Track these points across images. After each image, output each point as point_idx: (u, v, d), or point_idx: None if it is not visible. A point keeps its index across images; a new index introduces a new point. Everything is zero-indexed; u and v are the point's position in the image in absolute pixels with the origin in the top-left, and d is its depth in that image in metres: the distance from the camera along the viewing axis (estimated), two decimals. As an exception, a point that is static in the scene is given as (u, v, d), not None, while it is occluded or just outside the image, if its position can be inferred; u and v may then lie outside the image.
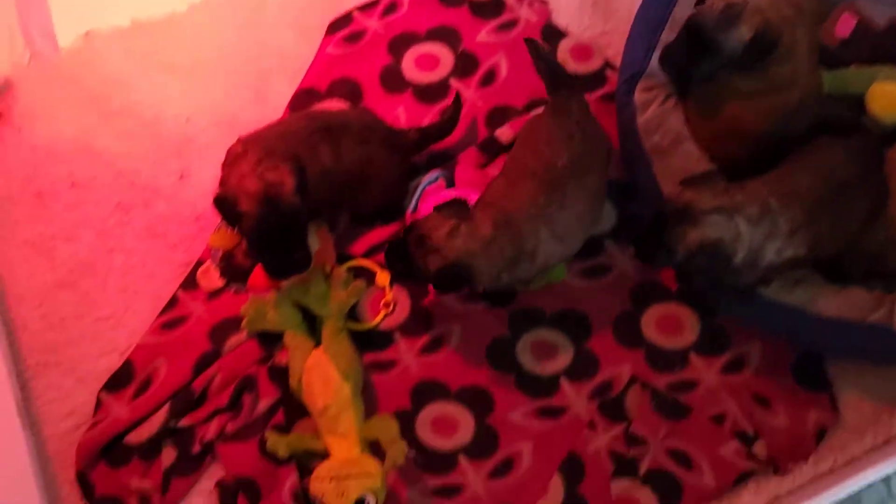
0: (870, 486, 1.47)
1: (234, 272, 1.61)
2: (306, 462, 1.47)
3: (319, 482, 1.39)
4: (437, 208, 1.44)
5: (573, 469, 1.48)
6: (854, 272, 1.48)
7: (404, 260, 1.43)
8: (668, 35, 1.60)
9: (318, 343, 1.53)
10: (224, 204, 1.41)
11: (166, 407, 1.52)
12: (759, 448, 1.48)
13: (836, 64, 1.58)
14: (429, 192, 1.61)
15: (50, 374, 1.57)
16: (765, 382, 1.52)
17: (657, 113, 1.59)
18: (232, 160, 1.46)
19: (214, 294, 1.62)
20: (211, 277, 1.63)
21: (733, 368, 1.54)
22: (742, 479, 1.46)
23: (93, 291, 1.63)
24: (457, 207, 1.44)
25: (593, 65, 1.79)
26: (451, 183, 1.64)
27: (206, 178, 1.71)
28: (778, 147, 1.51)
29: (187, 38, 1.84)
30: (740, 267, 1.34)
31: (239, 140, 1.49)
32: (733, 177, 1.50)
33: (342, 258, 1.63)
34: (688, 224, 1.30)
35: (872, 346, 1.46)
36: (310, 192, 1.43)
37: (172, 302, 1.62)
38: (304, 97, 1.78)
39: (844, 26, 1.63)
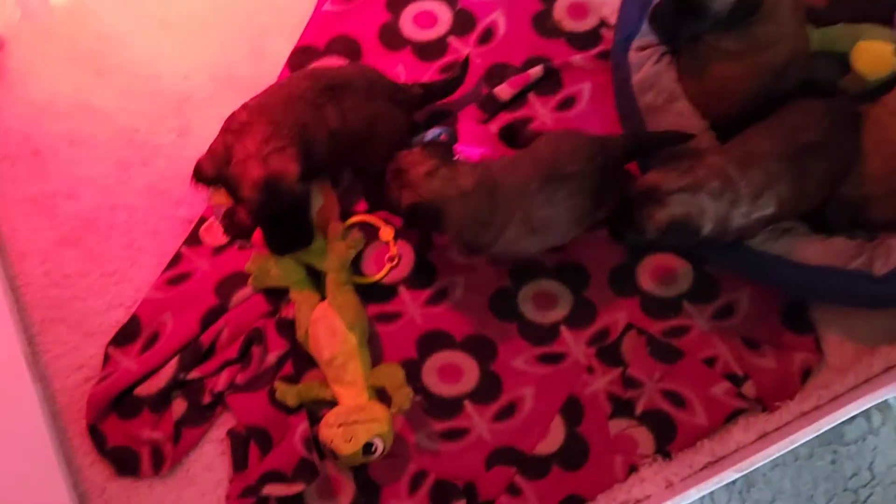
0: (852, 420, 1.56)
1: (237, 229, 1.63)
2: (315, 410, 1.51)
3: (328, 428, 1.43)
4: (423, 145, 1.46)
5: (573, 411, 1.54)
6: (837, 223, 1.55)
7: (380, 190, 1.46)
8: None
9: (323, 297, 1.56)
10: (227, 183, 1.43)
11: (175, 360, 1.54)
12: (749, 388, 1.55)
13: (823, 23, 1.64)
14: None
15: (57, 329, 1.58)
16: (753, 327, 1.59)
17: (651, 72, 1.62)
18: (237, 129, 1.46)
19: (218, 250, 1.64)
20: (214, 234, 1.64)
21: (723, 314, 1.60)
22: (733, 417, 1.53)
23: (96, 248, 1.63)
24: (443, 149, 1.47)
25: (589, 23, 1.81)
26: (453, 139, 1.67)
27: (206, 134, 1.68)
28: (767, 105, 1.55)
29: (181, -7, 1.82)
30: (711, 237, 1.41)
31: (244, 107, 1.50)
32: (726, 135, 1.56)
33: (345, 215, 1.66)
34: (655, 205, 1.37)
35: (853, 292, 1.51)
36: (315, 160, 1.45)
37: (177, 258, 1.63)
38: (302, 55, 1.78)
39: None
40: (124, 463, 1.50)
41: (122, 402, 1.53)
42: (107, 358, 1.56)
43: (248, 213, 1.49)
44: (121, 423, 1.52)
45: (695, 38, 1.57)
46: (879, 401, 1.45)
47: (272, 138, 1.42)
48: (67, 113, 1.72)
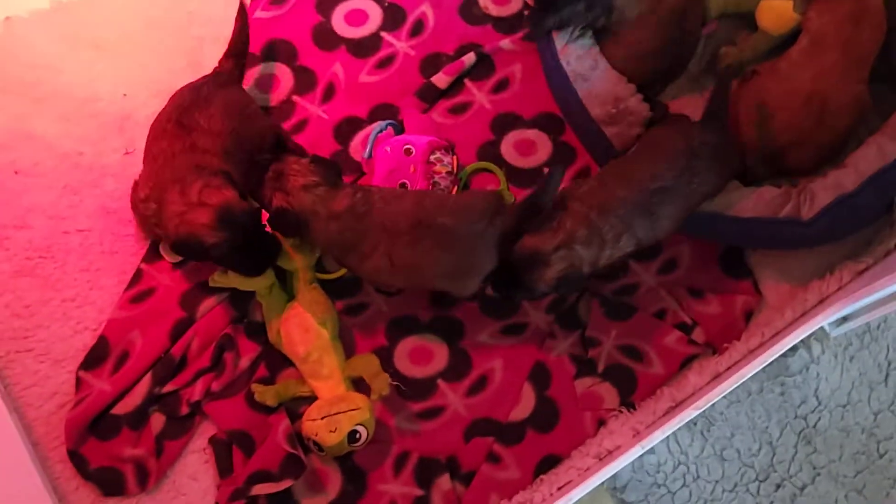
0: (795, 352, 1.68)
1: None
2: (295, 408, 1.55)
3: (311, 422, 1.46)
4: (314, 160, 1.49)
5: (540, 376, 1.62)
6: (760, 177, 1.67)
7: (259, 184, 1.50)
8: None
9: (291, 297, 1.60)
10: (188, 246, 1.43)
11: (149, 375, 1.56)
12: (698, 334, 1.65)
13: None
14: (381, 140, 1.68)
15: (24, 361, 1.58)
16: (696, 277, 1.69)
17: (576, 46, 1.72)
18: (154, 206, 1.47)
19: (178, 263, 1.65)
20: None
21: (668, 269, 1.70)
22: (686, 363, 1.63)
23: (54, 274, 1.63)
24: (333, 171, 1.50)
25: (513, 7, 1.90)
26: (400, 130, 1.72)
27: (153, 151, 1.73)
28: (681, 53, 1.70)
29: (111, 14, 1.82)
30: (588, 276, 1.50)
31: (137, 187, 1.53)
32: (653, 94, 1.68)
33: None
34: (541, 267, 1.45)
35: (786, 237, 1.62)
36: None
37: (137, 275, 1.64)
38: (240, 61, 1.81)
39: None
40: (109, 483, 1.50)
41: (100, 424, 1.53)
42: (79, 382, 1.56)
43: (217, 257, 1.47)
44: (101, 444, 1.52)
45: (609, 9, 1.67)
46: (815, 329, 1.56)
47: (189, 188, 1.43)
48: (8, 143, 1.71)
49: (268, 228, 1.54)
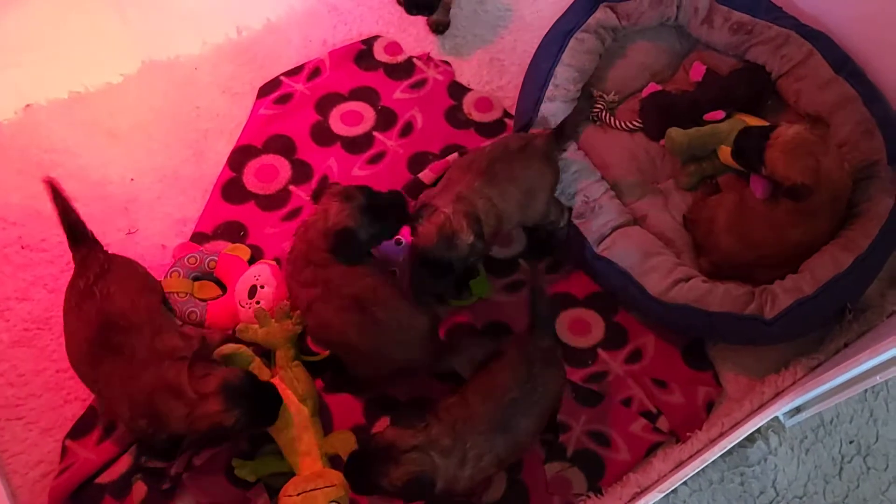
0: (754, 443, 1.76)
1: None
2: (274, 484, 1.59)
3: (287, 497, 1.51)
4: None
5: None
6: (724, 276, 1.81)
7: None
8: (551, 92, 1.91)
9: (273, 374, 1.67)
10: (210, 439, 1.50)
11: (134, 447, 1.60)
12: (662, 422, 1.73)
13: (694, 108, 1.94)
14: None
15: (14, 428, 1.63)
16: (660, 368, 1.79)
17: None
18: (144, 422, 1.46)
19: (171, 337, 1.74)
20: (166, 323, 1.74)
21: (634, 359, 1.80)
22: (652, 450, 1.70)
23: (50, 346, 1.70)
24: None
25: (494, 115, 2.08)
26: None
27: (154, 231, 1.84)
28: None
29: (125, 106, 1.98)
30: (441, 494, 1.46)
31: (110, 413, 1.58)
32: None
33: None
34: (391, 463, 1.41)
35: (749, 333, 1.72)
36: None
37: (131, 349, 1.72)
38: (242, 153, 1.96)
39: (696, 72, 2.06)
40: (89, 552, 1.53)
41: (83, 492, 1.57)
42: (64, 451, 1.61)
43: (240, 430, 1.49)
44: (82, 513, 1.56)
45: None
46: (770, 418, 1.66)
47: (182, 390, 1.43)
48: (19, 219, 1.82)
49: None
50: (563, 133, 1.79)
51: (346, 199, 1.59)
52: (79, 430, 1.63)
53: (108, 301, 1.49)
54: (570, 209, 1.85)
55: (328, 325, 1.59)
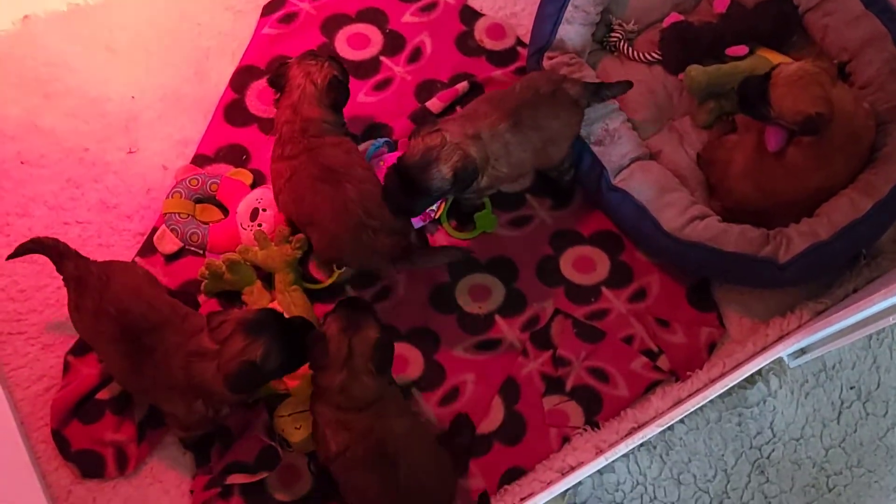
0: (753, 384, 1.77)
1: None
2: (272, 403, 1.61)
3: (279, 418, 1.54)
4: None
5: (511, 391, 1.69)
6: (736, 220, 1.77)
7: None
8: (570, 13, 1.85)
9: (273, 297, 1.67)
10: (244, 379, 1.39)
11: (135, 365, 1.62)
12: (663, 361, 1.73)
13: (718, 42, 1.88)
14: (376, 155, 1.78)
15: (15, 343, 1.64)
16: (664, 307, 1.78)
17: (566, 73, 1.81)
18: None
19: (171, 258, 1.73)
20: (166, 242, 1.73)
21: (637, 298, 1.79)
22: (651, 387, 1.71)
23: (50, 262, 1.69)
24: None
25: (507, 42, 2.01)
26: (393, 148, 1.82)
27: (155, 151, 1.81)
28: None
29: (125, 21, 1.92)
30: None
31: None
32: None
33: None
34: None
35: (761, 276, 1.70)
36: None
37: (131, 268, 1.71)
38: (244, 74, 1.91)
39: (721, 3, 1.96)
40: (89, 465, 1.57)
41: (84, 408, 1.60)
42: (67, 366, 1.63)
43: (273, 370, 1.43)
44: (84, 427, 1.59)
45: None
46: (773, 358, 1.65)
47: (202, 339, 1.40)
48: (17, 134, 1.79)
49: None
50: (599, 94, 1.76)
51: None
52: (81, 347, 1.64)
53: (125, 313, 1.44)
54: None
55: (301, 197, 1.59)
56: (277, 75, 1.71)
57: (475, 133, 1.57)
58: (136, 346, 1.42)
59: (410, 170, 1.50)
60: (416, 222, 1.77)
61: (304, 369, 1.55)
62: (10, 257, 1.58)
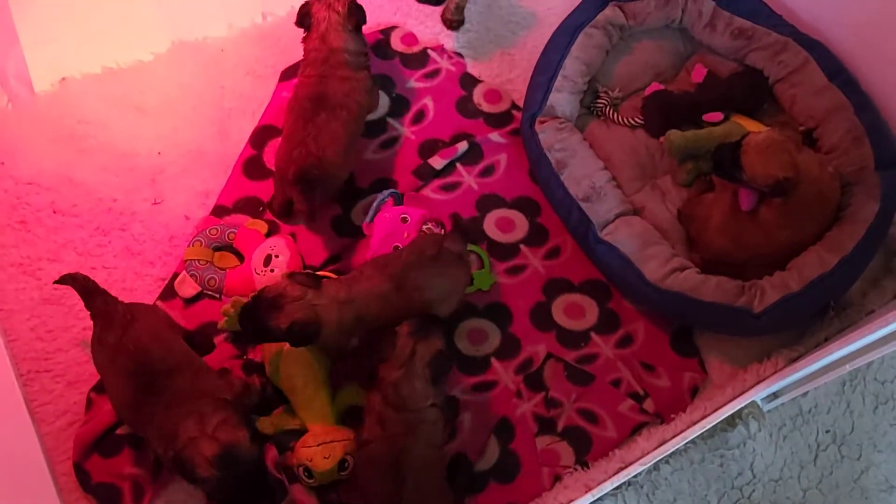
0: (734, 428, 1.85)
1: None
2: (284, 441, 1.70)
3: (306, 449, 1.62)
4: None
5: (505, 431, 1.79)
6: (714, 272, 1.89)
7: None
8: (560, 82, 2.02)
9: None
10: (182, 471, 1.46)
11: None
12: (648, 404, 1.83)
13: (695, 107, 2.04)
14: (380, 209, 1.92)
15: (42, 380, 1.75)
16: (649, 353, 1.88)
17: (555, 138, 1.99)
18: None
19: (190, 302, 1.85)
20: (186, 287, 1.85)
21: (624, 343, 1.90)
22: (637, 429, 1.80)
23: (78, 304, 1.78)
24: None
25: (503, 106, 2.18)
26: (399, 201, 1.97)
27: (178, 203, 1.95)
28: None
29: (154, 83, 2.08)
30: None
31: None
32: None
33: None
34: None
35: (737, 324, 1.81)
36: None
37: (153, 311, 1.83)
38: (263, 132, 2.06)
39: (698, 74, 2.15)
40: (107, 497, 1.65)
41: (105, 442, 1.69)
42: (89, 403, 1.73)
43: (207, 491, 1.55)
44: (103, 461, 1.68)
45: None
46: (747, 402, 1.76)
47: (208, 418, 1.48)
48: (51, 186, 1.93)
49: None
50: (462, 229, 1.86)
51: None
52: (103, 385, 1.73)
53: (144, 352, 1.55)
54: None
55: (290, 108, 1.88)
56: (302, 15, 1.93)
57: (347, 298, 1.63)
58: (147, 383, 1.53)
59: (260, 303, 1.59)
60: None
61: (319, 404, 1.68)
62: (56, 282, 1.70)
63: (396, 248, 1.86)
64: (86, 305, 1.65)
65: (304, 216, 1.93)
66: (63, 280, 1.67)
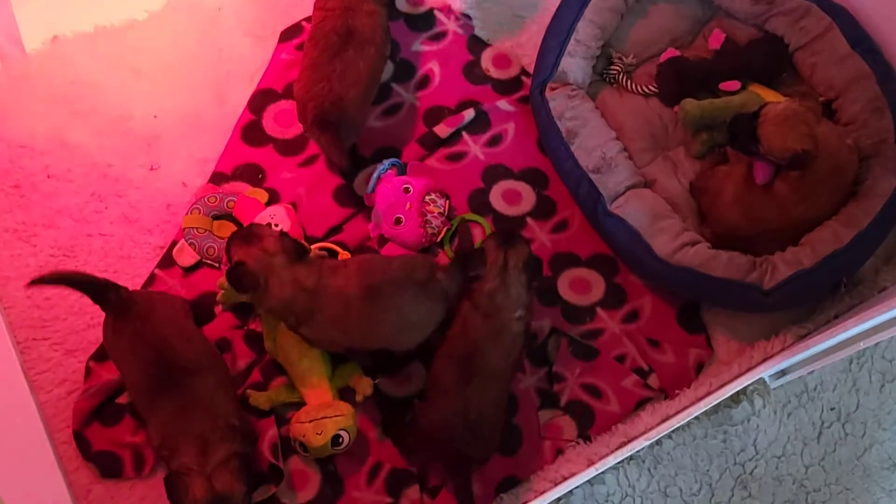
0: (738, 403, 1.85)
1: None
2: (283, 413, 1.70)
3: (300, 424, 1.61)
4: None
5: (509, 404, 1.75)
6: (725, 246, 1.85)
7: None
8: (572, 46, 1.95)
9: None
10: (169, 493, 1.44)
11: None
12: (653, 380, 1.81)
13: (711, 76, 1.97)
14: (383, 179, 1.87)
15: (40, 348, 1.73)
16: (655, 328, 1.86)
17: (566, 105, 1.93)
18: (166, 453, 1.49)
19: (189, 270, 1.82)
20: (185, 255, 1.82)
21: (630, 319, 1.87)
22: (641, 404, 1.79)
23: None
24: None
25: (512, 72, 2.10)
26: (402, 171, 1.91)
27: (175, 170, 1.90)
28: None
29: (148, 44, 2.01)
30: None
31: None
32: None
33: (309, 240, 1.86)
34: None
35: (747, 300, 1.77)
36: None
37: (151, 279, 1.81)
38: (262, 96, 2.00)
39: (715, 40, 2.07)
40: (108, 466, 1.65)
41: (105, 411, 1.68)
42: (88, 371, 1.71)
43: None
44: (104, 429, 1.67)
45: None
46: (755, 379, 1.74)
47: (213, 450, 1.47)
48: (45, 149, 1.88)
49: None
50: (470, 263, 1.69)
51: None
52: (102, 353, 1.72)
53: (165, 344, 1.53)
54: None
55: (314, 41, 1.82)
56: None
57: (312, 288, 1.55)
58: (165, 376, 1.51)
59: (241, 228, 1.62)
60: (419, 243, 1.85)
61: (317, 377, 1.67)
62: (32, 283, 1.57)
63: (399, 219, 1.82)
64: (96, 303, 1.59)
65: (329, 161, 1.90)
66: (50, 279, 1.58)
